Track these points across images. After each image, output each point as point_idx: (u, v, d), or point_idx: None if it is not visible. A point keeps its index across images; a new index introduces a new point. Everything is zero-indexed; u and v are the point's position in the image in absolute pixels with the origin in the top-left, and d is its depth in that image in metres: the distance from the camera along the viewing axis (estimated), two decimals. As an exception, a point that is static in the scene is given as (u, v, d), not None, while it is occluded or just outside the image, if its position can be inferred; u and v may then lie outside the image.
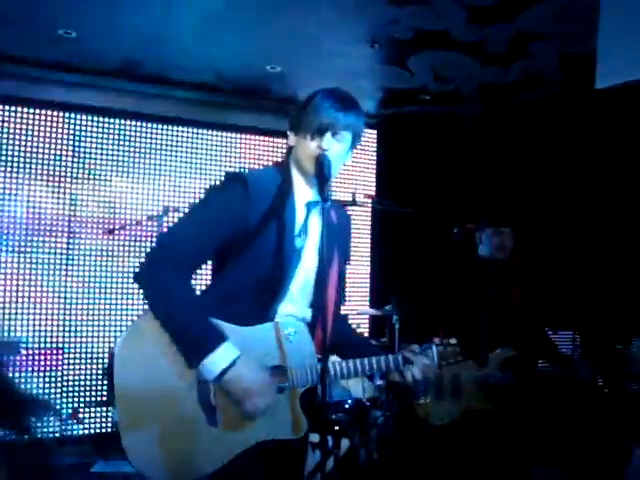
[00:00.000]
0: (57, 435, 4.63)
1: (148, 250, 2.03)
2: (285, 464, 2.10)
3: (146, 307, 1.97)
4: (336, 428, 3.70)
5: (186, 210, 2.17)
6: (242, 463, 1.91)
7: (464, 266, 3.79)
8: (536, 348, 3.65)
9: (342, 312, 2.36)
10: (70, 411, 4.72)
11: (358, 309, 5.42)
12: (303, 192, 2.10)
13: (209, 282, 2.15)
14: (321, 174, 1.94)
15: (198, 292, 2.14)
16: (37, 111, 4.78)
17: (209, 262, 2.13)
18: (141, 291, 1.98)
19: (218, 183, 2.11)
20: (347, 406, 3.96)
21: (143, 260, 1.99)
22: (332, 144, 2.01)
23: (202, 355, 1.85)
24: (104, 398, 4.82)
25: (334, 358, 2.12)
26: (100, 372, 4.80)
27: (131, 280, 2.01)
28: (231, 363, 1.86)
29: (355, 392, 4.17)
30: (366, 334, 5.57)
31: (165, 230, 2.55)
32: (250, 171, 2.13)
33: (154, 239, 4.86)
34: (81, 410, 4.78)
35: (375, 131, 6.00)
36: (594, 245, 5.20)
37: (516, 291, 3.69)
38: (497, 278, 3.71)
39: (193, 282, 2.03)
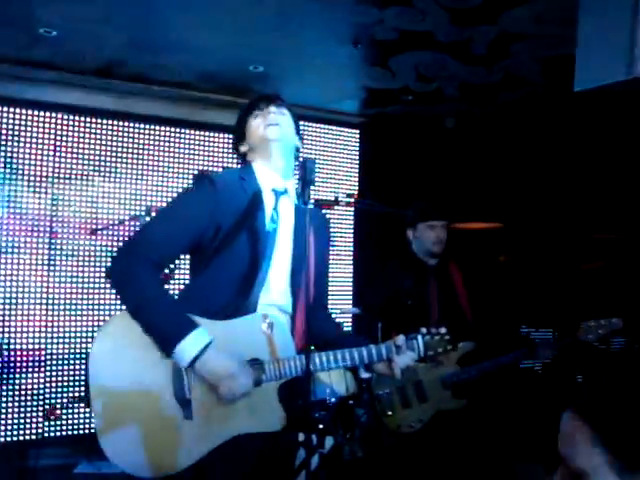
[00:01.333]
0: (39, 436, 4.60)
1: (119, 246, 2.06)
2: (275, 460, 2.12)
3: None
4: (320, 427, 3.71)
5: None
6: (223, 456, 1.93)
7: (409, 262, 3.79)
8: (493, 342, 3.64)
9: (326, 309, 2.39)
10: (46, 409, 4.68)
11: (341, 308, 5.45)
12: (267, 179, 2.18)
13: (187, 282, 2.17)
14: (304, 177, 1.95)
15: (177, 291, 2.16)
16: (17, 110, 4.73)
17: (185, 262, 2.16)
18: (111, 285, 2.02)
19: (192, 184, 2.17)
20: (330, 404, 3.98)
21: (114, 255, 2.05)
22: (273, 114, 2.21)
23: (173, 343, 1.88)
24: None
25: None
26: (83, 372, 4.78)
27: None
28: (202, 349, 1.88)
29: (338, 388, 4.19)
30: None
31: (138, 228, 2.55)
32: (220, 172, 2.21)
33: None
34: (62, 410, 4.74)
35: (358, 131, 6.02)
36: (572, 243, 5.27)
37: (461, 287, 3.72)
38: (439, 273, 3.74)
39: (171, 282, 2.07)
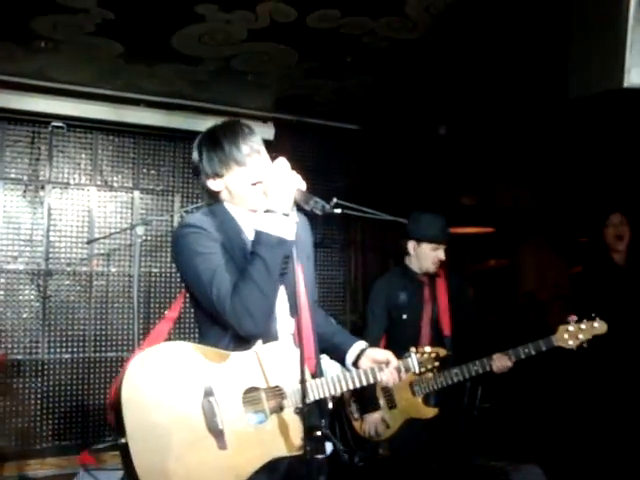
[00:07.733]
0: (39, 447, 4.57)
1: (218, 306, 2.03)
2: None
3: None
4: (317, 434, 3.62)
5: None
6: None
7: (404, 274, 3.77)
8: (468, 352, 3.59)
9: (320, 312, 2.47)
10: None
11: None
12: (246, 219, 2.17)
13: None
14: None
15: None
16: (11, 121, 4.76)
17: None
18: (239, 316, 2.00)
19: (177, 240, 2.12)
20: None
21: (219, 311, 2.02)
22: (256, 164, 2.13)
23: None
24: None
25: (326, 358, 2.33)
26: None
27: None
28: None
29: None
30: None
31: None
32: (192, 217, 2.18)
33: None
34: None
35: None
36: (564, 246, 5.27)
37: (444, 298, 3.70)
38: (430, 285, 3.74)
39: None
